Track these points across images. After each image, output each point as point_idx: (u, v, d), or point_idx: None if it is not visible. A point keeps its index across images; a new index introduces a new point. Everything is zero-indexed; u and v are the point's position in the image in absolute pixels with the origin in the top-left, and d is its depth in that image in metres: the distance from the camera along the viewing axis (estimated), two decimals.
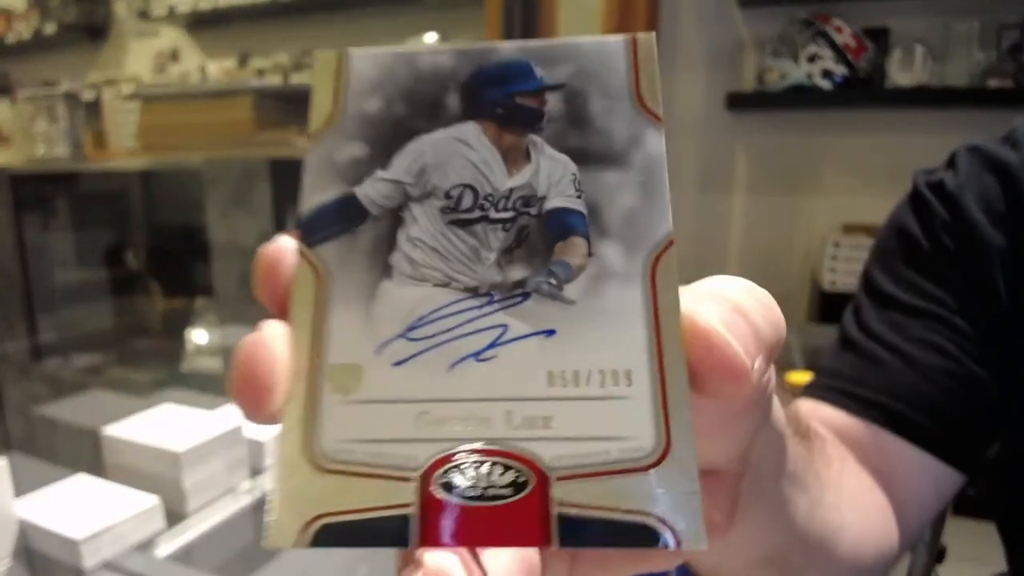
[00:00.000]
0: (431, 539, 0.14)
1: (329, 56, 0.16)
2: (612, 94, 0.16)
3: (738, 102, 2.25)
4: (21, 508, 0.62)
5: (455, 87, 0.16)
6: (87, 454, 0.99)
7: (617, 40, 0.16)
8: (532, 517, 0.14)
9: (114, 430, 0.74)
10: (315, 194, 0.16)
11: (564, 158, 0.16)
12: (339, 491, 0.14)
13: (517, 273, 0.15)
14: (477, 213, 0.16)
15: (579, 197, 0.16)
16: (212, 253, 1.26)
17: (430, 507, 0.14)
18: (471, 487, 0.14)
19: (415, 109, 0.16)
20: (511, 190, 0.16)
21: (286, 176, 1.22)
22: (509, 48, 0.16)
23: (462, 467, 0.14)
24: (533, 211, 0.16)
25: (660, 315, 0.15)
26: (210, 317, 1.52)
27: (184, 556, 0.66)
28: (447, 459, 0.14)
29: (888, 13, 2.09)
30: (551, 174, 0.16)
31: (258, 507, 0.75)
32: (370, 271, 0.15)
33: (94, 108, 2.98)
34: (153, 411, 0.79)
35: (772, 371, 0.19)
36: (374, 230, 0.16)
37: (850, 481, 0.40)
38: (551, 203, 0.16)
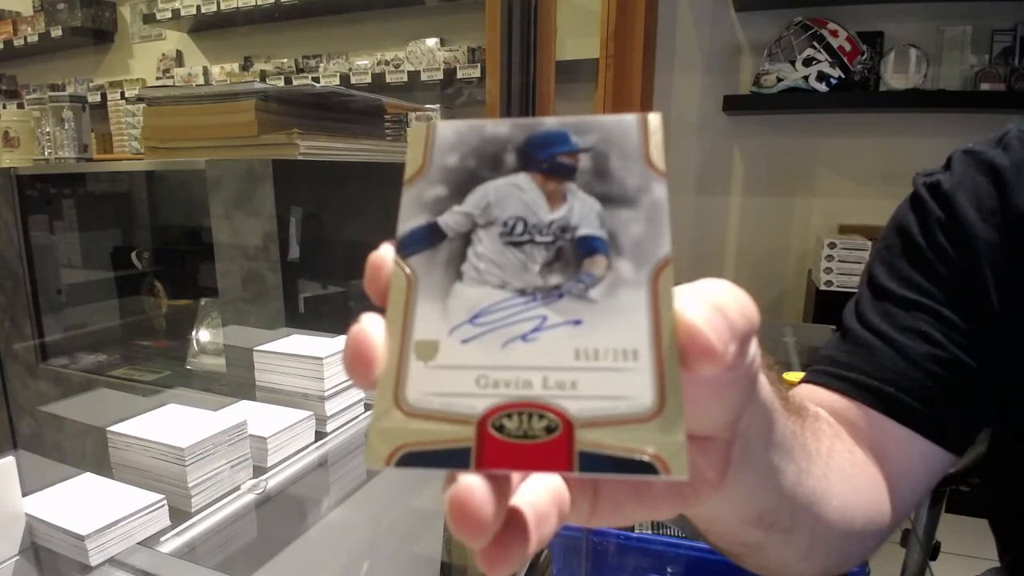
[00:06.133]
0: (485, 464, 0.18)
1: (420, 126, 0.22)
2: (627, 155, 0.21)
3: (735, 105, 2.26)
4: (28, 505, 0.63)
5: (512, 148, 0.21)
6: (93, 452, 1.01)
7: (632, 117, 0.21)
8: (560, 452, 0.18)
9: (120, 428, 0.74)
10: (408, 221, 0.21)
11: (591, 200, 0.21)
12: (419, 429, 0.19)
13: (555, 280, 0.20)
14: (526, 237, 0.21)
15: (601, 227, 0.20)
16: (216, 254, 1.27)
17: (485, 442, 0.18)
18: (516, 428, 0.18)
19: (482, 163, 0.21)
20: (552, 221, 0.21)
21: (288, 177, 1.23)
22: (552, 121, 0.21)
23: (510, 415, 0.19)
24: (568, 236, 0.21)
25: (659, 311, 0.19)
26: (214, 317, 1.54)
27: (189, 553, 0.66)
28: (499, 409, 0.19)
29: (883, 17, 2.11)
30: (581, 211, 0.21)
31: (262, 504, 0.76)
32: (446, 275, 0.20)
33: (100, 111, 3.01)
34: (158, 410, 0.79)
35: (756, 354, 0.23)
36: (450, 247, 0.21)
37: (841, 455, 0.43)
38: (581, 231, 0.21)
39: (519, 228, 0.21)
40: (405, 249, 0.20)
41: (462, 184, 0.21)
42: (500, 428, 0.18)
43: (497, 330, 0.19)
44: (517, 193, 0.21)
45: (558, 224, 0.21)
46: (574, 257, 0.20)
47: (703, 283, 0.21)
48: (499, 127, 0.22)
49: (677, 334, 0.19)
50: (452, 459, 0.18)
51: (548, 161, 0.21)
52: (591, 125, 0.21)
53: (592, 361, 0.19)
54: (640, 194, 0.20)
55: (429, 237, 0.21)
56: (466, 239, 0.21)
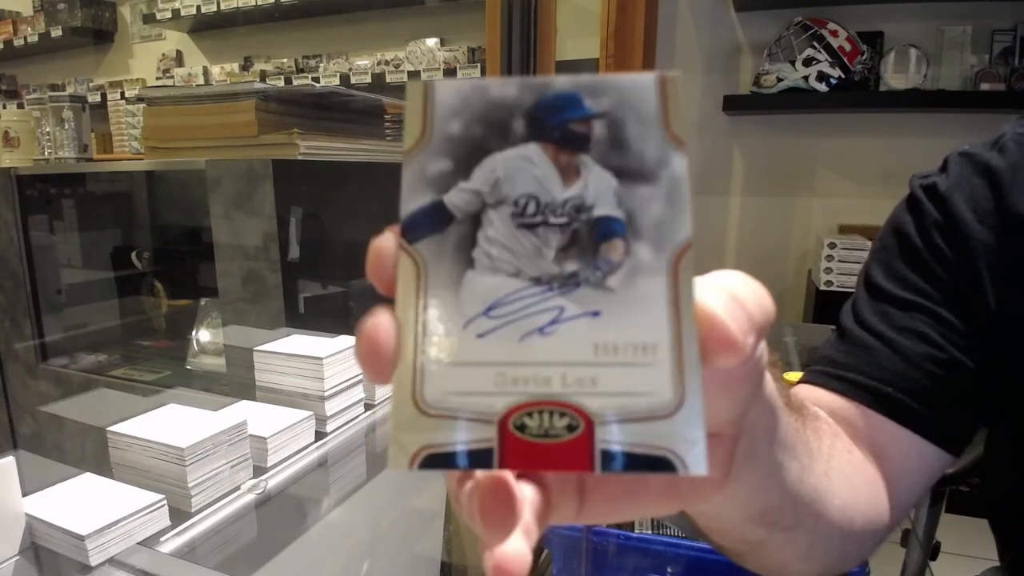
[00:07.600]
0: (507, 464, 0.18)
1: (417, 85, 0.20)
2: (645, 122, 0.19)
3: (735, 105, 2.26)
4: (28, 505, 0.63)
5: (520, 113, 0.20)
6: (93, 452, 1.01)
7: (649, 76, 0.19)
8: (582, 451, 0.18)
9: (120, 428, 0.74)
10: (412, 201, 0.19)
11: (607, 175, 0.19)
12: (439, 430, 0.18)
13: (571, 267, 0.19)
14: (539, 218, 0.19)
15: (619, 207, 0.19)
16: (216, 254, 1.27)
17: (506, 442, 0.18)
18: (537, 428, 0.18)
19: (489, 131, 0.20)
20: (566, 200, 0.19)
21: (288, 177, 1.23)
22: (563, 81, 0.20)
23: (531, 413, 0.18)
24: (583, 217, 0.19)
25: (679, 302, 0.18)
26: (214, 317, 1.54)
27: (189, 553, 0.66)
28: (519, 407, 0.18)
29: (883, 17, 2.11)
30: (597, 188, 0.19)
31: (262, 504, 0.76)
32: (457, 263, 0.19)
33: (100, 111, 3.01)
34: (158, 410, 0.79)
35: (764, 349, 0.23)
36: (459, 230, 0.19)
37: (841, 455, 0.43)
38: (597, 211, 0.19)
39: (531, 208, 0.19)
40: (411, 233, 0.19)
41: (468, 156, 0.19)
42: (521, 427, 0.18)
43: (513, 323, 0.19)
44: (528, 167, 0.20)
45: (572, 203, 0.19)
46: (590, 241, 0.19)
47: (718, 274, 0.21)
48: (506, 88, 0.20)
49: (697, 324, 0.18)
50: (475, 460, 0.18)
51: (560, 129, 0.19)
52: (606, 85, 0.19)
53: (611, 355, 0.18)
54: (659, 168, 0.19)
55: (436, 219, 0.19)
56: (475, 220, 0.19)
